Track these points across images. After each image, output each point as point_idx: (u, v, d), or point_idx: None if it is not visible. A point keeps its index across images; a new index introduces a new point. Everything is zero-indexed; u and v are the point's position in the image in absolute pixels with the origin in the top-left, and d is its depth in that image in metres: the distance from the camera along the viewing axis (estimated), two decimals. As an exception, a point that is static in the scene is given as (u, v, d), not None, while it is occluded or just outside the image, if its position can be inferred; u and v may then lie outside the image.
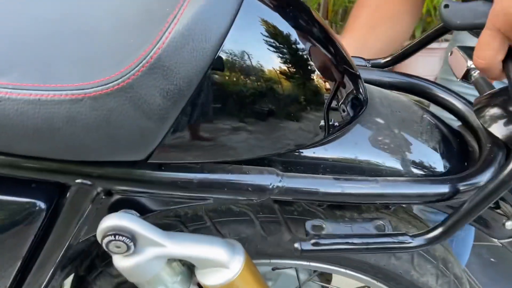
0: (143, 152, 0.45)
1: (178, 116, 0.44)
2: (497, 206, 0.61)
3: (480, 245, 1.74)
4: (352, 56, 0.72)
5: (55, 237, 0.52)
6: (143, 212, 0.52)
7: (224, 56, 0.44)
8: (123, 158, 0.46)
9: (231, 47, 0.44)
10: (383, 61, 0.75)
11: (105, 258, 0.73)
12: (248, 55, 0.45)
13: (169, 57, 0.42)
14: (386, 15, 0.89)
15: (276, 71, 0.47)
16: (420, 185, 0.51)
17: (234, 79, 0.45)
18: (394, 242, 0.50)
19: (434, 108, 0.72)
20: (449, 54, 0.75)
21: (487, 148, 0.57)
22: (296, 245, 0.48)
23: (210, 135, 0.46)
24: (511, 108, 0.57)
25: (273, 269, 0.94)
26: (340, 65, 0.54)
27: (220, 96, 0.45)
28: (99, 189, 0.50)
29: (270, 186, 0.49)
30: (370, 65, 0.75)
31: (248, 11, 0.45)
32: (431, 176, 0.56)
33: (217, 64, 0.44)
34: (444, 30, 0.68)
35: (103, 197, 0.50)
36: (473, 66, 0.68)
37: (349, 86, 0.55)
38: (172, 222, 0.66)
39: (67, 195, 0.50)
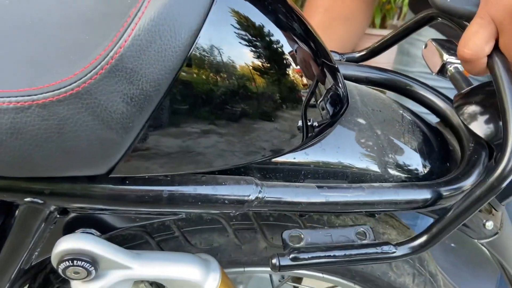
0: (104, 166, 0.39)
1: (144, 125, 0.38)
2: (477, 205, 0.59)
3: (440, 231, 1.78)
4: None
5: (2, 261, 0.46)
6: (104, 230, 0.46)
7: (197, 55, 0.38)
8: (80, 173, 0.40)
9: (205, 44, 0.39)
10: (358, 55, 0.71)
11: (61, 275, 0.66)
12: (224, 53, 0.40)
13: (133, 57, 0.36)
14: (337, 16, 0.87)
15: (256, 71, 0.42)
16: (407, 191, 0.48)
17: (209, 80, 0.40)
18: (377, 253, 0.47)
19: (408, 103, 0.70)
20: (424, 46, 0.73)
21: (469, 147, 0.55)
22: (274, 261, 0.44)
23: (182, 144, 0.41)
24: (493, 105, 0.56)
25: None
26: (319, 60, 0.49)
27: (193, 100, 0.40)
28: (52, 207, 0.43)
29: (249, 198, 0.44)
30: (344, 59, 0.71)
31: (223, 2, 0.40)
32: (415, 179, 0.53)
33: (190, 64, 0.38)
34: (428, 19, 0.65)
35: (58, 216, 0.44)
36: (449, 60, 0.66)
37: (329, 83, 0.51)
38: (136, 233, 0.61)
39: (15, 214, 0.43)
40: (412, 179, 0.53)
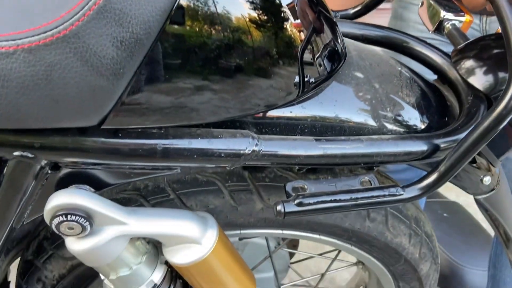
0: (95, 116, 0.38)
1: (136, 71, 0.37)
2: (474, 161, 0.59)
3: (433, 202, 1.79)
4: None
5: (-7, 220, 0.44)
6: (98, 187, 0.45)
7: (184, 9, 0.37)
8: (71, 124, 0.38)
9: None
10: (352, 11, 0.69)
11: (55, 240, 0.65)
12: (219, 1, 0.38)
13: (122, -3, 0.34)
14: None
15: (253, 23, 0.41)
16: (406, 143, 0.47)
17: (202, 28, 0.38)
18: (385, 195, 0.45)
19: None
20: (420, 5, 0.71)
21: (468, 101, 0.54)
22: (279, 207, 0.43)
23: (175, 94, 0.40)
24: (491, 57, 0.55)
25: (240, 239, 0.89)
26: (317, 12, 0.48)
27: (187, 47, 0.38)
28: (43, 162, 0.42)
29: (246, 151, 0.43)
30: (338, 17, 0.69)
31: None
32: (413, 133, 0.52)
33: (182, 6, 0.36)
34: None
35: (49, 171, 0.43)
36: (446, 16, 0.65)
37: (327, 36, 0.49)
38: (131, 197, 0.59)
39: (4, 170, 0.42)
40: (410, 133, 0.52)
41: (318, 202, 0.43)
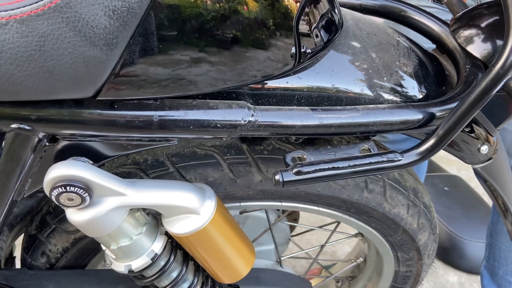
0: (90, 87, 0.38)
1: (129, 41, 0.37)
2: (471, 130, 0.59)
3: (434, 176, 1.80)
4: None
5: (-7, 193, 0.45)
6: (96, 159, 0.45)
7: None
8: (66, 96, 0.38)
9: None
10: None
11: (58, 214, 0.66)
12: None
13: (113, -35, 0.34)
14: None
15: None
16: (402, 112, 0.47)
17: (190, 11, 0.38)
18: (383, 161, 0.45)
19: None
20: (419, -26, 0.70)
21: (466, 69, 0.54)
22: (277, 176, 0.43)
23: (170, 65, 0.40)
24: (489, 25, 0.54)
25: (240, 213, 0.90)
26: None
27: (181, 18, 0.38)
28: (41, 134, 0.42)
29: (242, 121, 0.43)
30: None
31: None
32: (411, 101, 0.52)
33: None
34: None
35: (47, 144, 0.43)
36: (446, -16, 0.64)
37: (323, 6, 0.49)
38: (130, 170, 0.60)
39: (2, 144, 0.42)
40: (407, 102, 0.52)
41: (316, 170, 0.43)
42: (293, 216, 1.01)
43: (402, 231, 0.74)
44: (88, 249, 0.68)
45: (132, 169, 0.60)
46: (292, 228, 1.00)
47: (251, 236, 0.92)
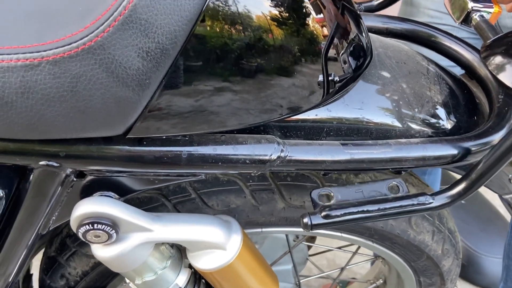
0: (120, 126, 0.37)
1: (162, 81, 0.36)
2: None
3: (451, 189, 1.77)
4: None
5: (18, 227, 0.45)
6: (122, 193, 0.44)
7: (215, 4, 0.35)
8: (96, 134, 0.38)
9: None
10: (376, 3, 0.67)
11: (78, 238, 0.65)
12: (240, 1, 0.37)
13: (147, 7, 0.33)
14: None
15: (274, 21, 0.39)
16: (435, 147, 0.46)
17: (226, 33, 0.37)
18: (414, 204, 0.44)
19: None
20: (446, -7, 0.69)
21: (499, 100, 0.52)
22: (306, 220, 0.42)
23: (201, 102, 0.39)
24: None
25: (259, 232, 0.89)
26: (341, 8, 0.46)
27: (213, 54, 0.37)
28: (69, 170, 0.42)
29: (271, 157, 0.43)
30: (362, 9, 0.67)
31: None
32: (442, 134, 0.51)
33: (208, 14, 0.35)
34: None
35: (74, 179, 0.42)
36: (475, 7, 0.62)
37: (352, 34, 0.47)
38: (152, 196, 0.59)
39: (30, 178, 0.42)
40: (439, 134, 0.50)
41: (345, 214, 0.42)
42: (311, 235, 1.00)
43: (426, 257, 0.73)
44: (107, 272, 0.68)
45: (153, 194, 0.59)
46: (309, 247, 0.99)
47: (269, 255, 0.92)
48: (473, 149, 0.47)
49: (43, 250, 0.74)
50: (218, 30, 0.37)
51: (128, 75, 0.35)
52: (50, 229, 0.45)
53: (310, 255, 1.01)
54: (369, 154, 0.44)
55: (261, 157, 0.43)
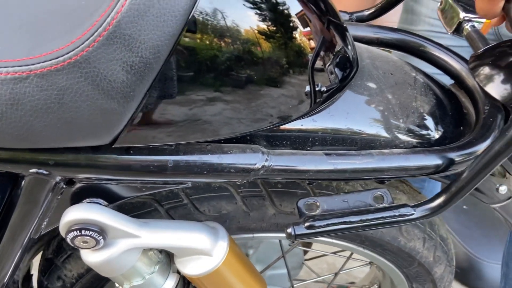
0: (107, 136, 0.39)
1: (146, 93, 0.37)
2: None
3: (452, 194, 1.76)
4: None
5: (11, 232, 0.46)
6: (111, 200, 0.46)
7: (198, 19, 0.37)
8: (84, 143, 0.39)
9: (206, 7, 0.37)
10: (367, 13, 0.68)
11: (74, 241, 0.67)
12: (227, 16, 0.38)
13: (131, 23, 0.35)
14: None
15: (255, 32, 0.40)
16: (417, 157, 0.46)
17: (212, 46, 0.38)
18: (395, 216, 0.45)
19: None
20: (439, 4, 0.70)
21: (484, 110, 0.53)
22: (289, 230, 0.44)
23: (186, 113, 0.40)
24: (510, 64, 0.53)
25: (254, 237, 0.90)
26: (327, 21, 0.47)
27: (196, 66, 0.38)
28: (58, 178, 0.43)
29: (255, 166, 0.44)
30: (354, 19, 0.68)
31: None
32: (427, 144, 0.51)
33: (190, 29, 0.37)
34: None
35: (64, 186, 0.44)
36: (466, 17, 0.63)
37: (338, 45, 0.48)
38: (146, 201, 0.61)
39: (21, 185, 0.43)
40: (424, 144, 0.51)
41: (328, 225, 0.43)
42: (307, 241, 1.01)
43: (418, 264, 0.73)
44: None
45: (147, 199, 0.61)
46: (305, 251, 1.00)
47: (264, 259, 0.93)
48: (456, 159, 0.47)
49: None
50: (201, 44, 0.38)
51: (113, 88, 0.36)
52: (42, 233, 0.47)
53: (307, 260, 1.02)
54: (351, 165, 0.45)
55: (245, 166, 0.44)
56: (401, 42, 0.63)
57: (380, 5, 0.66)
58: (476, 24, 0.63)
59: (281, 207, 0.61)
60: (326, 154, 0.45)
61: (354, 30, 0.63)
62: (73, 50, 0.35)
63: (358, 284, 1.04)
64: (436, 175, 0.48)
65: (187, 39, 0.37)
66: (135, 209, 0.60)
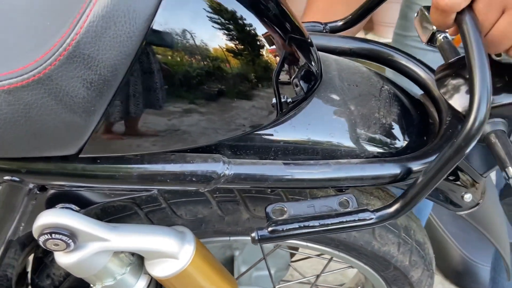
0: (72, 147, 0.42)
1: (106, 108, 0.40)
2: (457, 177, 0.60)
3: (450, 197, 1.77)
4: (307, 22, 0.67)
5: (-9, 233, 0.49)
6: (83, 205, 0.49)
7: (153, 40, 0.39)
8: (52, 153, 0.42)
9: (160, 28, 0.39)
10: (341, 23, 0.70)
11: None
12: (179, 35, 0.40)
13: (90, 43, 0.37)
14: None
15: (220, 49, 0.43)
16: (373, 167, 0.49)
17: (167, 62, 0.41)
18: (354, 220, 0.47)
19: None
20: (415, 14, 0.71)
21: (446, 121, 0.55)
22: (253, 234, 0.46)
23: (146, 125, 0.43)
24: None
25: (239, 239, 0.93)
26: (290, 36, 0.49)
27: (152, 82, 0.41)
28: (31, 185, 0.46)
29: (216, 175, 0.46)
30: (328, 29, 0.70)
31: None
32: (388, 154, 0.53)
33: (146, 49, 0.39)
34: None
35: (37, 192, 0.47)
36: (438, 28, 0.64)
37: (301, 60, 0.51)
38: (126, 204, 0.64)
39: (-3, 192, 0.46)
40: (385, 154, 0.53)
41: (289, 229, 0.46)
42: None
43: (394, 267, 0.75)
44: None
45: (127, 202, 0.64)
46: (292, 254, 1.02)
47: (250, 261, 0.95)
48: (413, 169, 0.49)
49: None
50: (156, 63, 0.40)
51: (75, 103, 0.39)
52: (20, 235, 0.50)
53: (293, 261, 1.04)
54: (309, 174, 0.47)
55: (206, 175, 0.46)
56: (371, 52, 0.65)
57: (351, 16, 0.68)
58: (448, 36, 0.64)
59: (254, 212, 0.64)
60: (285, 164, 0.47)
61: (327, 41, 0.65)
62: (36, 68, 0.38)
63: (345, 286, 1.06)
64: (395, 184, 0.50)
65: (143, 58, 0.39)
66: (117, 212, 0.63)
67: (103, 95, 0.39)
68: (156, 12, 0.38)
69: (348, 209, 0.49)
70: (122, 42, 0.38)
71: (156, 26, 0.39)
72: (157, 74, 0.40)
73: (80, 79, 0.38)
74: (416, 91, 0.65)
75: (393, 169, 0.48)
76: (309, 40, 0.53)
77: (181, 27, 0.40)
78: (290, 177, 0.47)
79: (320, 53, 0.59)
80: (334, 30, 0.69)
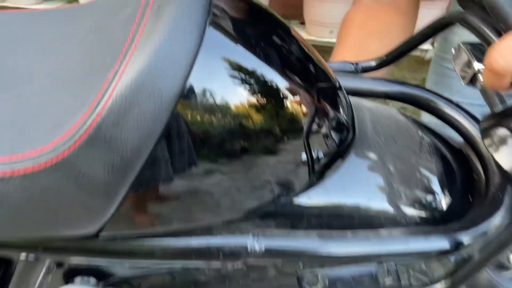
0: (91, 228, 0.38)
1: (128, 190, 0.37)
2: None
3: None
4: (338, 61, 0.63)
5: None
6: (102, 277, 0.46)
7: (179, 118, 0.36)
8: (70, 234, 0.39)
9: (187, 106, 0.36)
10: (374, 63, 0.65)
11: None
12: (206, 111, 0.37)
13: (111, 125, 0.34)
14: (371, 31, 0.80)
15: (252, 123, 0.39)
16: (418, 241, 0.44)
17: (195, 139, 0.37)
18: None
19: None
20: (453, 51, 0.66)
21: (494, 181, 0.50)
22: None
23: (170, 202, 0.39)
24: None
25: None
26: (316, 90, 0.45)
27: (178, 161, 0.38)
28: (48, 261, 0.43)
29: (244, 251, 0.42)
30: (360, 69, 0.66)
31: (207, 57, 0.37)
32: (431, 218, 0.49)
33: (172, 127, 0.36)
34: (445, 24, 0.59)
35: (55, 268, 0.44)
36: (481, 69, 0.60)
37: (330, 114, 0.46)
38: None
39: (14, 267, 0.44)
40: (428, 220, 0.49)
41: None
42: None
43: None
44: None
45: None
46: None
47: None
48: (462, 242, 0.45)
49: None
50: (184, 139, 0.37)
51: (95, 186, 0.36)
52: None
53: None
54: (346, 249, 0.43)
55: (234, 251, 0.43)
56: (409, 96, 0.60)
57: (385, 57, 0.63)
58: (491, 76, 0.59)
59: (282, 268, 0.60)
60: (319, 237, 0.44)
61: (359, 84, 0.61)
62: (54, 151, 0.35)
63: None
64: (441, 257, 0.45)
65: (168, 138, 0.36)
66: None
67: (125, 177, 0.36)
68: (183, 90, 0.35)
69: (389, 283, 0.45)
70: (147, 122, 0.34)
71: (182, 104, 0.35)
72: (183, 152, 0.37)
73: (100, 162, 0.35)
74: (457, 136, 0.60)
75: (440, 243, 0.44)
76: (338, 86, 0.49)
77: (208, 103, 0.37)
78: (326, 254, 0.43)
79: (351, 98, 0.55)
80: (366, 70, 0.64)
